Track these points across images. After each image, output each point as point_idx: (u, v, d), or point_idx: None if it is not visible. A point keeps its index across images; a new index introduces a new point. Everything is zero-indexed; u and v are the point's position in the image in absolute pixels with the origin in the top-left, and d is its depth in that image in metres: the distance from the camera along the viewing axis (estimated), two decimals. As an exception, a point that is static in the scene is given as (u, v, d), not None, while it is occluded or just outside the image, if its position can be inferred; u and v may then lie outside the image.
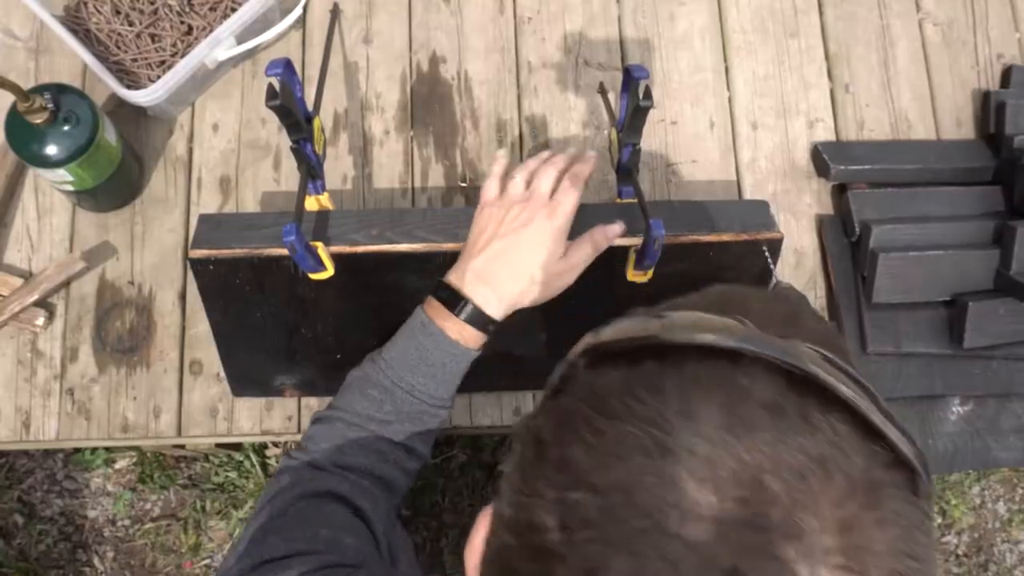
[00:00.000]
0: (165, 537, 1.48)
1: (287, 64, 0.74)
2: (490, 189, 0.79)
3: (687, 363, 0.36)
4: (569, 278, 0.77)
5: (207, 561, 1.49)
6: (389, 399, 0.75)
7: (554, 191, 0.77)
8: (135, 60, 0.98)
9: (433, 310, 0.75)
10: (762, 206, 0.87)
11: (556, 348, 0.92)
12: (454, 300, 0.74)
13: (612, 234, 0.79)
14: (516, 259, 0.74)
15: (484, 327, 0.74)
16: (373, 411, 0.75)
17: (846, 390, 0.34)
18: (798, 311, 0.45)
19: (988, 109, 1.05)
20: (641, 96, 0.75)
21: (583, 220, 0.84)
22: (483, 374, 0.95)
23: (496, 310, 0.74)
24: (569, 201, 0.76)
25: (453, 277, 0.75)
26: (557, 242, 0.75)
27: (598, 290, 0.86)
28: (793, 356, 0.35)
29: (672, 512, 0.32)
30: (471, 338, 0.74)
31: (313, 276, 0.82)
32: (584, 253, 0.77)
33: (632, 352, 0.38)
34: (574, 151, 0.84)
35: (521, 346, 0.91)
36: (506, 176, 0.80)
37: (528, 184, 0.78)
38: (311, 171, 0.83)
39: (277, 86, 0.72)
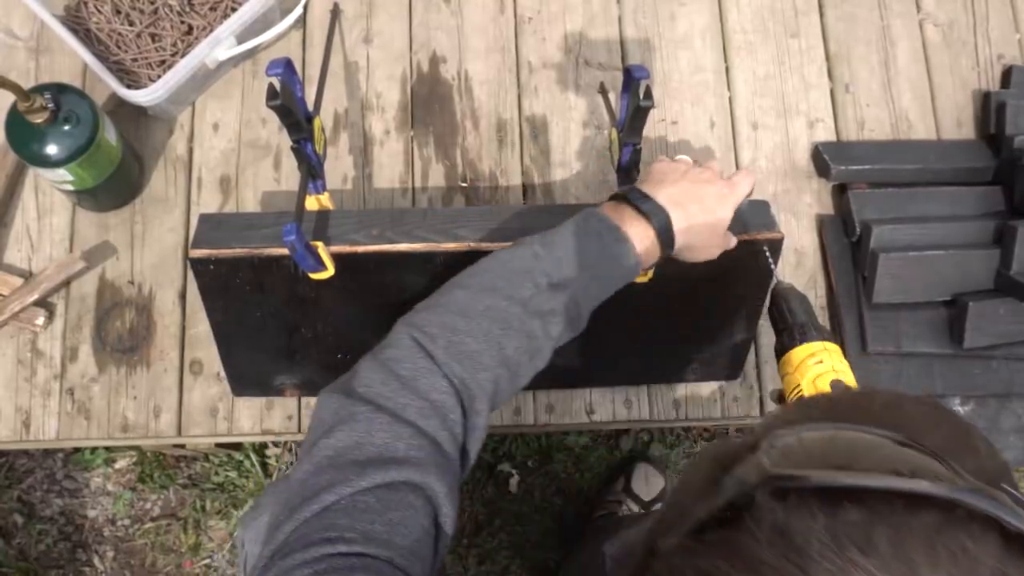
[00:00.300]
0: (165, 537, 1.48)
1: (287, 64, 0.74)
2: (662, 158, 0.79)
3: (897, 514, 0.32)
4: (716, 252, 0.76)
5: (207, 561, 1.49)
6: (561, 294, 0.65)
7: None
8: (135, 60, 0.98)
9: (619, 212, 0.69)
10: (762, 206, 0.87)
11: (557, 348, 0.92)
12: (647, 203, 0.69)
13: (733, 243, 0.80)
14: (706, 202, 0.71)
15: (665, 245, 0.69)
16: (540, 302, 0.64)
17: None
18: (965, 429, 0.41)
19: (988, 109, 1.05)
20: (642, 96, 0.75)
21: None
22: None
23: (680, 232, 0.70)
24: (745, 183, 0.75)
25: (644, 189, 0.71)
26: (731, 210, 0.74)
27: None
28: (1012, 513, 0.32)
29: None
30: (650, 252, 0.69)
31: (313, 276, 0.82)
32: (731, 240, 0.78)
33: (825, 490, 0.33)
34: None
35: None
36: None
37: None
38: (311, 171, 0.83)
39: (278, 86, 0.72)
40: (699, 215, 0.71)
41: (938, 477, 0.33)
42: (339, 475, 0.54)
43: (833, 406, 0.42)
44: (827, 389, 0.68)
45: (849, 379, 0.69)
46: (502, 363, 0.62)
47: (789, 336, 0.73)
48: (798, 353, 0.71)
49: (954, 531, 0.32)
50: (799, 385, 0.70)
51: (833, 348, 0.71)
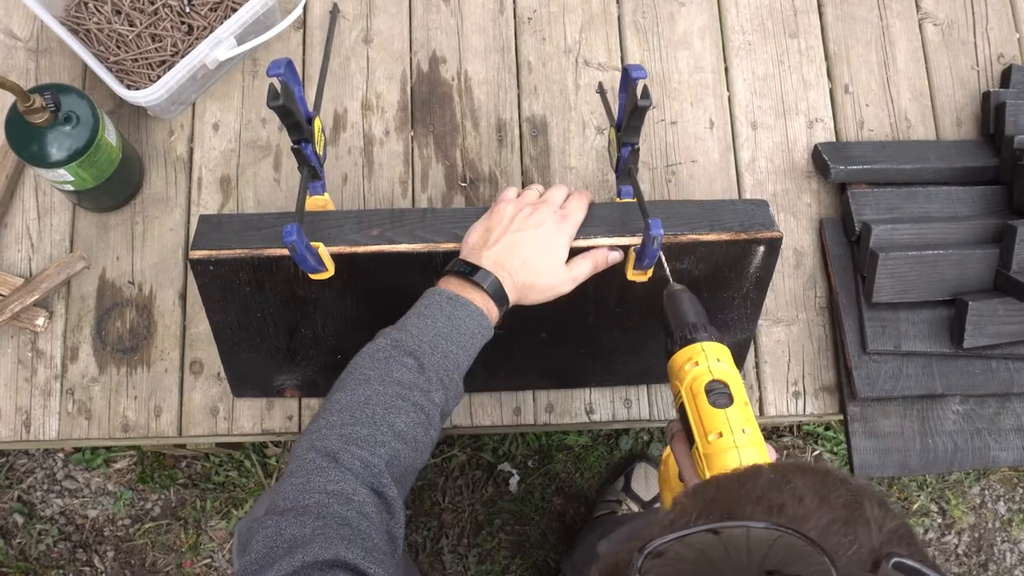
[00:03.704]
0: (165, 536, 1.48)
1: (288, 64, 0.74)
2: (509, 191, 0.83)
3: None
4: (568, 287, 0.79)
5: (207, 560, 1.49)
6: (429, 365, 0.69)
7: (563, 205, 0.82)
8: (135, 60, 0.98)
9: (453, 285, 0.74)
10: (761, 205, 0.87)
11: (557, 348, 0.92)
12: (475, 272, 0.74)
13: (612, 259, 0.82)
14: (528, 254, 0.76)
15: (501, 304, 0.75)
16: (413, 377, 0.69)
17: None
18: (856, 498, 0.40)
19: (988, 109, 1.05)
20: (639, 96, 0.75)
21: (584, 219, 0.84)
22: (483, 374, 0.95)
23: (511, 290, 0.75)
24: (578, 212, 0.80)
25: (469, 259, 0.76)
26: (564, 247, 0.78)
27: (598, 290, 0.86)
28: None
29: None
30: (492, 313, 0.74)
31: (313, 276, 0.82)
32: (586, 268, 0.80)
33: None
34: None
35: (521, 346, 0.91)
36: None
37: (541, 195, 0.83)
38: (312, 172, 0.83)
39: (278, 87, 0.72)
40: (521, 272, 0.76)
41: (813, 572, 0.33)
42: None
43: (716, 495, 0.41)
44: (702, 392, 0.67)
45: (727, 377, 0.67)
46: (397, 437, 0.66)
47: (671, 341, 0.71)
48: (676, 359, 0.70)
49: None
50: (679, 392, 0.68)
51: (713, 348, 0.69)
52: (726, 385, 0.67)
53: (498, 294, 0.74)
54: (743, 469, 0.43)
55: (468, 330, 0.72)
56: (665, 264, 0.80)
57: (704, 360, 0.68)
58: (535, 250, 0.76)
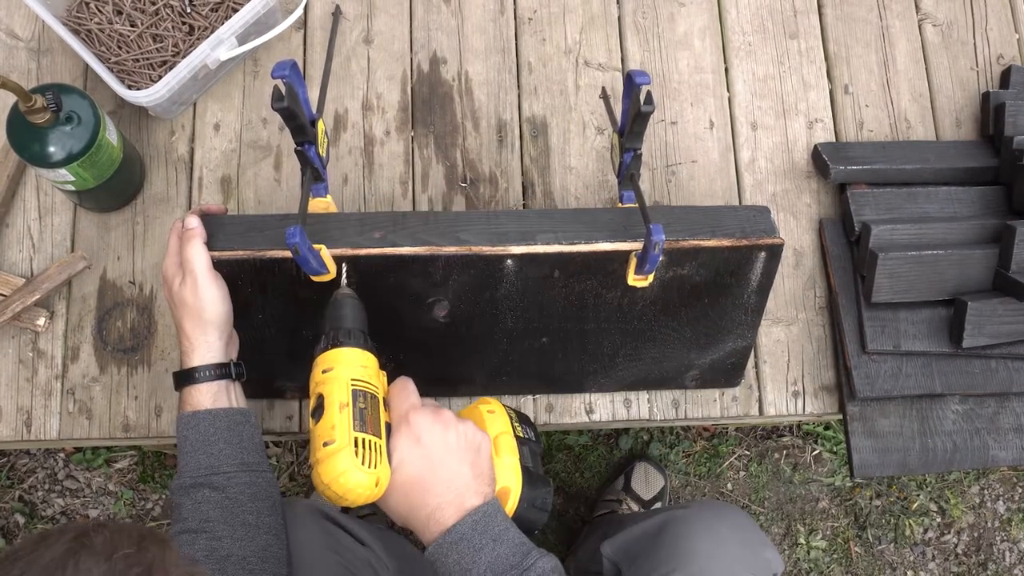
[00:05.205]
0: (166, 536, 1.48)
1: (293, 66, 0.73)
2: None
3: None
4: (191, 281, 0.79)
5: (208, 560, 1.49)
6: (212, 479, 0.76)
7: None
8: (137, 60, 0.98)
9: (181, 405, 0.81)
10: (763, 212, 0.87)
11: (558, 354, 0.92)
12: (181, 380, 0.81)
13: (187, 224, 0.82)
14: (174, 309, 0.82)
15: (190, 379, 0.80)
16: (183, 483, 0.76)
17: None
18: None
19: (987, 110, 1.05)
20: (642, 102, 0.75)
21: (586, 223, 0.84)
22: (484, 378, 0.96)
23: (189, 355, 0.80)
24: (186, 246, 0.80)
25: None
26: (173, 281, 0.81)
27: (598, 295, 0.86)
28: None
29: None
30: (202, 393, 0.79)
31: (315, 278, 0.82)
32: (173, 246, 0.82)
33: None
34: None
35: (521, 352, 0.91)
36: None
37: None
38: (315, 174, 0.82)
39: (283, 89, 0.71)
40: (180, 321, 0.81)
41: None
42: None
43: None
44: (309, 408, 0.68)
45: (327, 388, 0.67)
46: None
47: (320, 342, 0.72)
48: (316, 363, 0.70)
49: None
50: (320, 394, 0.69)
51: (350, 358, 0.69)
52: (321, 397, 0.67)
53: (181, 378, 0.80)
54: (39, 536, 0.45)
55: (203, 435, 0.78)
56: (344, 271, 0.79)
57: (316, 371, 0.69)
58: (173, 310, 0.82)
